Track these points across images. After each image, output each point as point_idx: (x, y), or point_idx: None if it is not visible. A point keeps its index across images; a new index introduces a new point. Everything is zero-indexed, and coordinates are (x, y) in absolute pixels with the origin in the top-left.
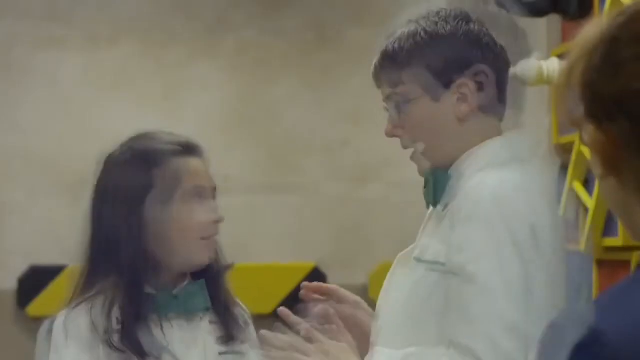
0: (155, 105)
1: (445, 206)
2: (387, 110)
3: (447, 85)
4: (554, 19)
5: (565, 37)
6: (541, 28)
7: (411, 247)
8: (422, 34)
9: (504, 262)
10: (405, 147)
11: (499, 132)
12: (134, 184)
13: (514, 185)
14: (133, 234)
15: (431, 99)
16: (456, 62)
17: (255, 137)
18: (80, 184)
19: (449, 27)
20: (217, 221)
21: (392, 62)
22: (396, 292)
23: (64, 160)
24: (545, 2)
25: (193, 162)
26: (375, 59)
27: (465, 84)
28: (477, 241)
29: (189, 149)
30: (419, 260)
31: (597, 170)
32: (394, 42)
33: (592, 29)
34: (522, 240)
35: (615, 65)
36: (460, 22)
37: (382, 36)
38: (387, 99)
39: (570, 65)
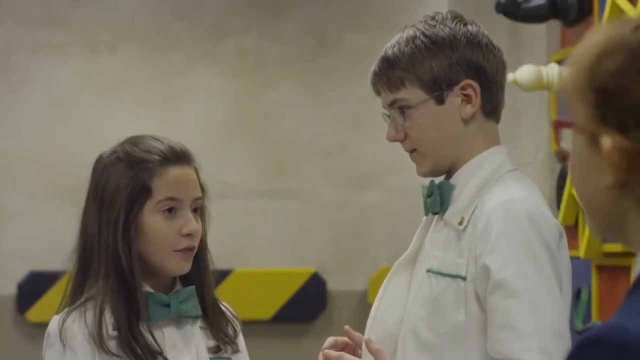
0: (155, 111)
1: (461, 218)
2: (388, 116)
3: (450, 87)
4: (554, 25)
5: (565, 42)
6: (540, 34)
7: (406, 253)
8: (422, 37)
9: (544, 274)
10: (408, 150)
11: (497, 135)
12: (112, 188)
13: (537, 197)
14: (111, 239)
15: (435, 102)
16: (458, 64)
17: (254, 142)
18: (80, 189)
19: (447, 29)
20: (188, 234)
21: (392, 67)
22: (401, 303)
23: (64, 166)
24: (545, 8)
25: (172, 173)
26: (373, 66)
27: (469, 85)
28: (517, 257)
29: (170, 158)
30: (439, 273)
31: (605, 180)
32: (393, 47)
33: (598, 36)
34: (553, 249)
35: None
36: (458, 24)
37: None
38: (390, 105)
39: (578, 72)
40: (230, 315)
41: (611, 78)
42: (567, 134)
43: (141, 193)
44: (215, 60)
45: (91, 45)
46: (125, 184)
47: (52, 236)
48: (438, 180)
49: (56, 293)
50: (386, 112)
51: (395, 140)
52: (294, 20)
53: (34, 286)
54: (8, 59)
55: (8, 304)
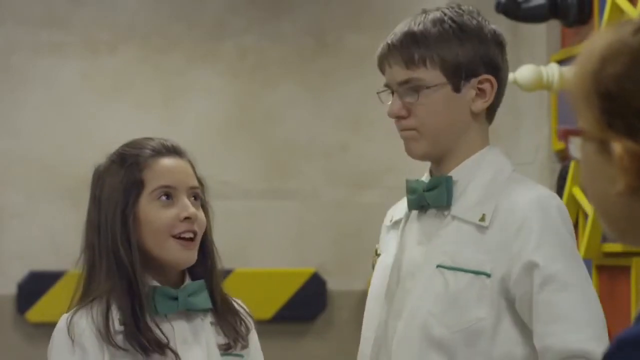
0: (155, 111)
1: (482, 214)
2: (391, 92)
3: (468, 78)
4: (554, 25)
5: (565, 42)
6: (541, 34)
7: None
8: (450, 22)
9: (583, 267)
10: (406, 129)
11: (488, 137)
12: (108, 189)
13: (556, 195)
14: (110, 234)
15: (452, 88)
16: (482, 58)
17: (254, 142)
18: (80, 189)
19: (475, 21)
20: (186, 218)
21: (416, 44)
22: (417, 299)
23: (64, 166)
24: (545, 8)
25: (163, 163)
26: (390, 39)
27: (487, 80)
28: (562, 251)
29: (160, 151)
30: (458, 269)
31: (617, 186)
32: (419, 25)
33: (600, 39)
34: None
35: None
36: (484, 20)
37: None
38: (402, 83)
39: (584, 75)
40: (244, 312)
41: (615, 83)
42: (577, 142)
43: (134, 186)
44: (215, 60)
45: (91, 45)
46: (119, 181)
47: (52, 236)
48: (431, 174)
49: (56, 293)
50: (390, 87)
51: (397, 116)
52: (294, 20)
53: (34, 286)
54: (8, 59)
55: (8, 304)
